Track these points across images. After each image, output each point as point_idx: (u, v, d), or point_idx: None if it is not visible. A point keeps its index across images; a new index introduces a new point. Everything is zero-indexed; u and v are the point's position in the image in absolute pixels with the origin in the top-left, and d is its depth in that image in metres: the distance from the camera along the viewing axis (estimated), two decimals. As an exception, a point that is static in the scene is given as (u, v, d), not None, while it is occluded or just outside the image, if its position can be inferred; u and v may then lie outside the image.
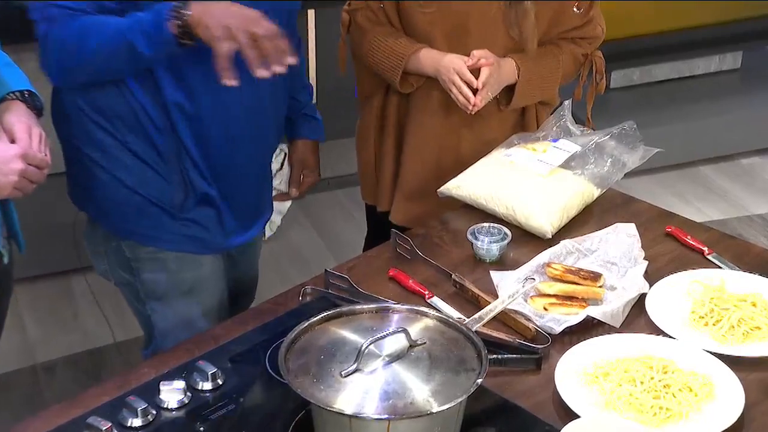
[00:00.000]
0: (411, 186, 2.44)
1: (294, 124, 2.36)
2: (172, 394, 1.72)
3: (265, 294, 2.29)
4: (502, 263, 2.06)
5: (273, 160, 2.28)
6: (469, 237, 2.07)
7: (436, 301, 1.95)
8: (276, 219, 2.51)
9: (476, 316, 1.73)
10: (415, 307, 1.72)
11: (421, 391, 1.55)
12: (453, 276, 1.98)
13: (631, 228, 2.06)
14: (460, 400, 1.54)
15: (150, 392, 1.72)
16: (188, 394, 1.72)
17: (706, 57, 4.55)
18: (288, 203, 2.45)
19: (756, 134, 4.43)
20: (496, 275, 1.98)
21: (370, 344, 1.59)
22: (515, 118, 2.43)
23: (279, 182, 2.40)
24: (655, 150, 2.25)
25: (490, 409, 1.71)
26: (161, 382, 1.73)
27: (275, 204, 2.38)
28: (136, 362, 1.96)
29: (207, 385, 1.75)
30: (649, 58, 4.40)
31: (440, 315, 1.70)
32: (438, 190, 2.28)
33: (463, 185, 2.23)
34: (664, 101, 4.41)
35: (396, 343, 1.62)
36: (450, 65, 2.25)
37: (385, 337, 1.60)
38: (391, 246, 2.11)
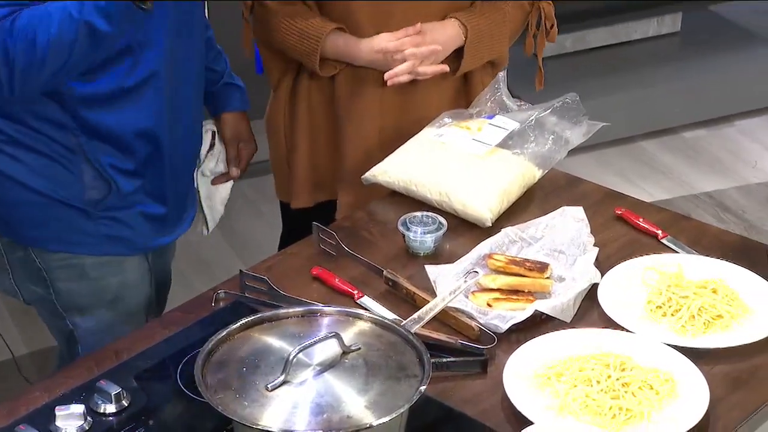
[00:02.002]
0: (355, 176, 2.46)
1: (217, 97, 2.36)
2: (69, 420, 1.69)
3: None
4: (438, 256, 2.08)
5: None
6: (401, 228, 2.08)
7: (366, 301, 1.96)
8: (220, 208, 2.49)
9: (415, 316, 1.74)
10: (347, 309, 1.73)
11: (357, 402, 1.56)
12: (384, 272, 1.99)
13: (578, 212, 2.10)
14: (402, 410, 1.56)
15: (43, 419, 1.70)
16: (89, 419, 1.70)
17: (643, 20, 4.63)
18: (229, 185, 2.45)
19: (699, 104, 4.53)
20: (432, 270, 2.00)
21: (299, 352, 1.59)
22: (457, 85, 2.46)
23: (214, 164, 2.40)
24: (600, 124, 2.29)
25: (433, 419, 1.72)
26: (56, 407, 1.70)
27: (216, 190, 2.39)
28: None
29: (110, 408, 1.73)
30: (582, 23, 4.46)
31: (375, 317, 1.71)
32: (362, 177, 2.29)
33: (390, 170, 2.24)
34: (599, 70, 4.48)
35: (327, 350, 1.63)
36: (383, 50, 2.30)
37: (315, 343, 1.61)
38: (313, 242, 2.11)
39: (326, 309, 1.73)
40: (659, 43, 4.70)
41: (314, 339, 1.61)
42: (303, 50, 2.34)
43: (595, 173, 4.10)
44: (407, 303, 1.95)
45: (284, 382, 1.58)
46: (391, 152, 2.33)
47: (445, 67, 2.33)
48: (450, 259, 2.06)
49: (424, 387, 1.58)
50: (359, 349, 1.65)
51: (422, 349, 1.65)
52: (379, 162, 2.34)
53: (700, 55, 4.62)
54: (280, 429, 1.52)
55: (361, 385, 1.59)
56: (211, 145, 2.40)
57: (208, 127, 2.40)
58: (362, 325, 1.70)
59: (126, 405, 1.74)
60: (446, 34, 2.33)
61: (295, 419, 1.54)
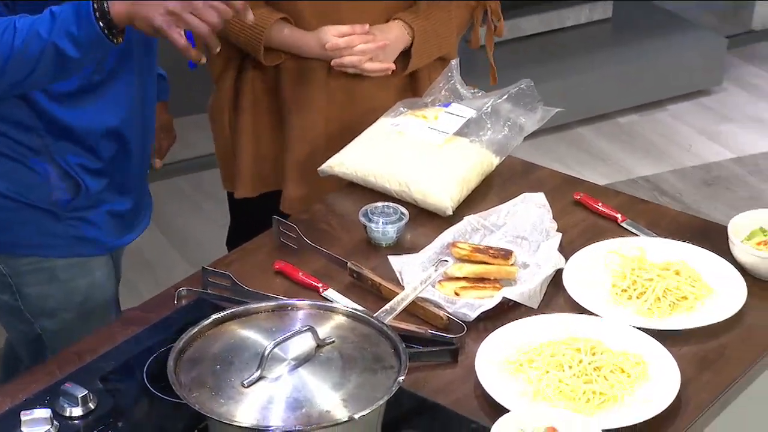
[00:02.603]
0: (300, 167, 2.44)
1: None
2: (35, 424, 1.65)
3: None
4: (400, 247, 2.07)
5: None
6: (362, 219, 2.07)
7: (331, 294, 1.94)
8: None
9: (387, 307, 1.73)
10: (318, 303, 1.72)
11: (335, 396, 1.55)
12: (349, 264, 1.98)
13: (540, 197, 2.11)
14: (381, 402, 1.55)
15: (8, 425, 1.66)
16: (55, 423, 1.67)
17: (576, 7, 4.67)
18: None
19: (632, 90, 4.58)
20: (395, 261, 1.99)
21: (275, 347, 1.57)
22: (405, 78, 2.46)
23: None
24: (554, 110, 2.31)
25: (407, 411, 1.71)
26: (21, 412, 1.67)
27: None
28: None
29: (77, 411, 1.70)
30: (515, 10, 4.49)
31: (347, 309, 1.70)
32: (318, 169, 2.27)
33: (346, 161, 2.23)
34: (533, 57, 4.51)
35: (302, 344, 1.61)
36: (334, 47, 2.31)
37: (290, 337, 1.59)
38: (272, 236, 2.09)
39: (297, 303, 1.72)
40: (592, 29, 4.74)
41: (289, 333, 1.59)
42: (246, 39, 2.34)
43: (535, 160, 4.08)
44: (373, 294, 1.94)
45: (260, 378, 1.56)
46: (337, 144, 2.33)
47: (391, 66, 2.37)
48: (412, 249, 2.05)
49: (402, 378, 1.58)
50: (333, 342, 1.63)
51: (397, 340, 1.64)
52: (324, 153, 2.33)
53: (632, 41, 4.67)
54: (259, 425, 1.50)
55: (338, 378, 1.58)
56: None
57: None
58: (334, 318, 1.69)
59: (93, 407, 1.71)
60: (392, 35, 2.35)
61: (274, 415, 1.52)
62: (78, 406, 1.70)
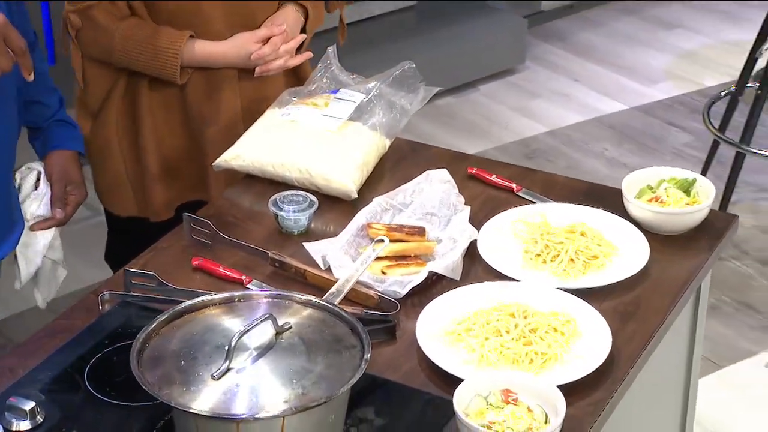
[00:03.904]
0: (170, 172, 2.41)
1: (47, 134, 2.26)
2: (-18, 444, 1.62)
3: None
4: (310, 234, 2.10)
5: (21, 180, 2.20)
6: (273, 209, 2.08)
7: (256, 285, 1.95)
8: (37, 260, 2.27)
9: (333, 290, 1.76)
10: (265, 291, 1.74)
11: (309, 377, 1.57)
12: (270, 254, 1.99)
13: (443, 173, 2.17)
14: (355, 379, 1.58)
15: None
16: (3, 440, 1.63)
17: (381, -3, 4.77)
18: (50, 234, 2.24)
19: (444, 73, 4.67)
20: (312, 247, 2.01)
21: (240, 337, 1.58)
22: None
23: (36, 206, 2.22)
24: (435, 89, 2.39)
25: (360, 390, 1.73)
26: (-35, 433, 1.62)
27: (34, 238, 2.24)
28: None
29: (25, 425, 1.67)
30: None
31: (297, 296, 1.71)
32: (213, 164, 2.26)
33: (243, 154, 2.23)
34: (345, 49, 4.55)
35: (261, 333, 1.62)
36: (260, 57, 2.33)
37: (253, 326, 1.60)
38: (182, 234, 2.08)
39: (246, 293, 1.72)
40: (397, 18, 4.84)
41: (251, 322, 1.60)
42: (160, 65, 2.30)
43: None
44: (297, 282, 1.96)
45: (229, 369, 1.56)
46: (216, 142, 2.33)
47: (310, 53, 2.42)
48: (322, 235, 2.08)
49: (369, 354, 1.61)
50: (291, 328, 1.65)
51: (353, 320, 1.67)
52: (193, 154, 2.32)
53: (439, 27, 4.79)
54: (253, 415, 1.51)
55: (306, 361, 1.60)
56: (36, 187, 2.27)
57: (34, 167, 2.27)
58: (286, 305, 1.70)
59: (41, 420, 1.68)
60: (291, 20, 2.39)
61: (251, 403, 1.52)
62: (26, 419, 1.67)
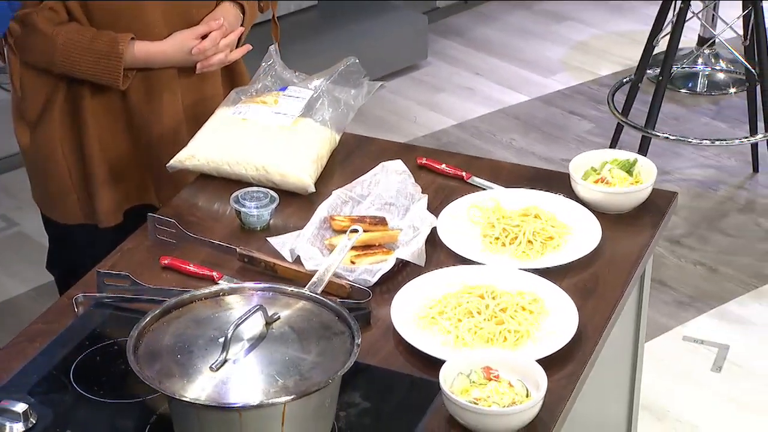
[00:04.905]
0: (117, 177, 2.42)
1: None
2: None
3: None
4: (272, 229, 2.13)
5: None
6: (235, 205, 2.11)
7: (227, 280, 1.98)
8: None
9: (314, 279, 1.80)
10: (248, 284, 1.76)
11: (304, 364, 1.61)
12: (238, 250, 2.02)
13: (398, 164, 2.22)
14: (350, 363, 1.62)
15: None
16: (-2, 442, 1.64)
17: (283, -3, 4.80)
18: None
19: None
20: (278, 242, 2.05)
21: (235, 329, 1.61)
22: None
23: None
24: (379, 84, 2.44)
25: (345, 376, 1.78)
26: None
27: None
28: None
29: (19, 427, 1.68)
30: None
31: (280, 287, 1.75)
32: (167, 165, 2.28)
33: (197, 153, 2.25)
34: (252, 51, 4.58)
35: (252, 324, 1.65)
36: (200, 51, 2.34)
37: (246, 318, 1.63)
38: (146, 235, 2.09)
39: (229, 287, 1.75)
40: (302, 17, 4.88)
41: (244, 313, 1.63)
42: (102, 70, 2.29)
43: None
44: (267, 275, 1.99)
45: (226, 361, 1.60)
46: (162, 144, 2.34)
47: (249, 46, 2.41)
48: (284, 230, 2.11)
49: (359, 339, 1.66)
50: (279, 318, 1.69)
51: (338, 307, 1.71)
52: (139, 156, 2.34)
53: (342, 26, 4.85)
54: (265, 402, 1.54)
55: (300, 348, 1.64)
56: None
57: None
58: (271, 297, 1.73)
59: (35, 422, 1.69)
60: (230, 16, 2.41)
61: (251, 393, 1.56)
62: (20, 421, 1.68)
